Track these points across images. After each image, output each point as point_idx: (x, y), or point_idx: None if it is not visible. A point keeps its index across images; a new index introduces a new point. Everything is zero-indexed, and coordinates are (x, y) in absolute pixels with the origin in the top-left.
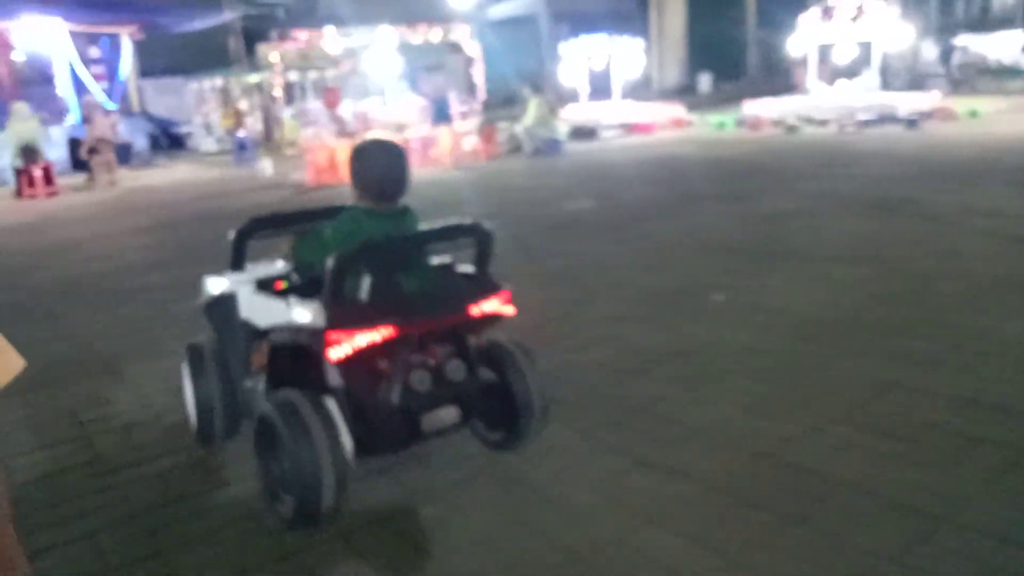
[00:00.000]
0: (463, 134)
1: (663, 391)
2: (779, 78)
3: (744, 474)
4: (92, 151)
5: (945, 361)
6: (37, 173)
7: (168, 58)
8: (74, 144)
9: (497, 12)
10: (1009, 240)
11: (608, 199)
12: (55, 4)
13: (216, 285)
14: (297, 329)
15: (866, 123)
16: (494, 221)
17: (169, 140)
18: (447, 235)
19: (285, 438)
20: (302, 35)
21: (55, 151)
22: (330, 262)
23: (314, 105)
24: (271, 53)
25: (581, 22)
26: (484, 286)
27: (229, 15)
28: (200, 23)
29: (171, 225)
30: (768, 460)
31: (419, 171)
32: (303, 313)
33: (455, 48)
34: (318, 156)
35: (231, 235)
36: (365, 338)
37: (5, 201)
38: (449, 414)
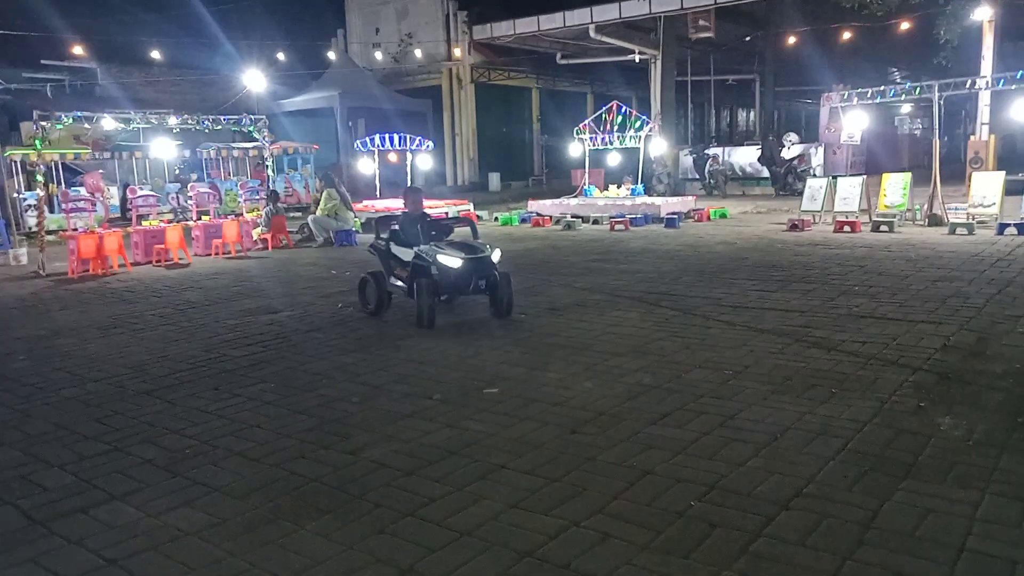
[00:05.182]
0: (251, 223)
1: (434, 492)
2: (562, 180)
3: None
4: None
5: (694, 448)
6: None
7: None
8: None
9: (293, 104)
10: (751, 331)
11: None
12: None
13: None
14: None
15: (633, 222)
16: (282, 315)
17: None
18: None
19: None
20: (73, 115)
21: None
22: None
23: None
24: (33, 133)
25: (378, 117)
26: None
27: None
28: None
29: None
30: (529, 560)
31: (202, 260)
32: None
33: (247, 137)
34: (83, 244)
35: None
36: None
37: None
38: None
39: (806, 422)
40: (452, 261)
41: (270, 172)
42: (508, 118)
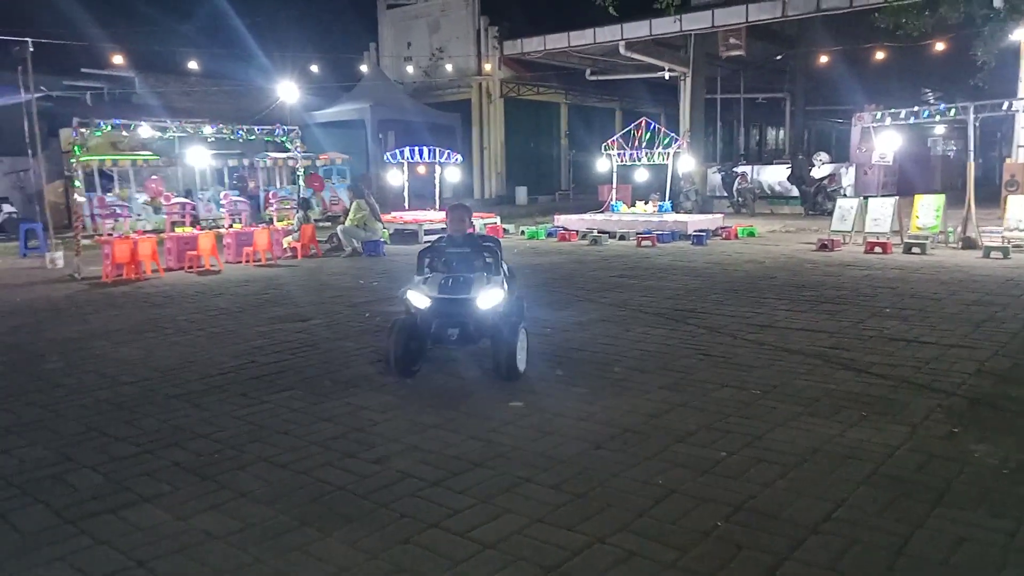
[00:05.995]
0: (282, 232)
1: (459, 503)
2: (588, 195)
3: None
4: None
5: (720, 467)
6: None
7: None
8: None
9: (325, 115)
10: (778, 350)
11: None
12: None
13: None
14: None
15: (660, 238)
16: (310, 323)
17: None
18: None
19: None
20: (111, 123)
21: None
22: None
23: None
24: (72, 139)
25: (407, 130)
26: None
27: (24, 96)
28: None
29: None
30: (553, 575)
31: (233, 268)
32: None
33: (279, 147)
34: (117, 249)
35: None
36: None
37: None
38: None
39: (835, 445)
40: (421, 300)
41: (299, 183)
42: (536, 133)
